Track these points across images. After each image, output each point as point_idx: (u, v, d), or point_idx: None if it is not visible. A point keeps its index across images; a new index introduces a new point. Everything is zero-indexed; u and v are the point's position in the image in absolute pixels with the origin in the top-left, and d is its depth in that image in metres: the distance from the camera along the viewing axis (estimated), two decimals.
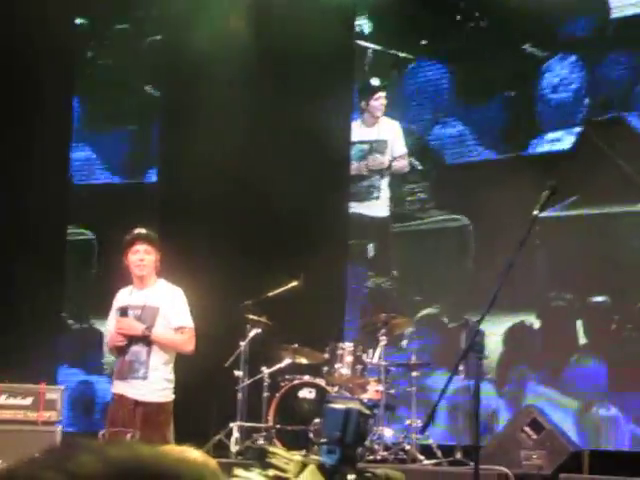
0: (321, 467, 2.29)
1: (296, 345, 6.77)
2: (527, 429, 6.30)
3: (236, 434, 6.39)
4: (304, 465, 2.12)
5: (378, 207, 7.19)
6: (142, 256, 5.21)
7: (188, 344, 5.20)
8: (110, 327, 5.49)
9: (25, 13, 7.80)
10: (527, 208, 4.42)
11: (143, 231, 5.37)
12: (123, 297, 5.44)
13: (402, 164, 6.80)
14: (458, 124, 7.06)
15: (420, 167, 7.13)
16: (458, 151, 7.16)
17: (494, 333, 6.87)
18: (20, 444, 5.69)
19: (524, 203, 5.01)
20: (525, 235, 4.16)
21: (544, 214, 4.52)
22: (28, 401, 6.23)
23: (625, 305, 6.83)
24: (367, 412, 6.82)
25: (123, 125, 8.72)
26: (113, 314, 5.45)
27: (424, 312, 7.42)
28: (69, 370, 8.26)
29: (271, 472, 2.13)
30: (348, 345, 6.71)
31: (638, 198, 6.62)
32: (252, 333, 6.64)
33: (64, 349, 8.37)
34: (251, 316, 6.69)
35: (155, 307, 5.15)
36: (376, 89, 6.85)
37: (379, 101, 6.81)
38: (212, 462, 1.61)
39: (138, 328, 5.07)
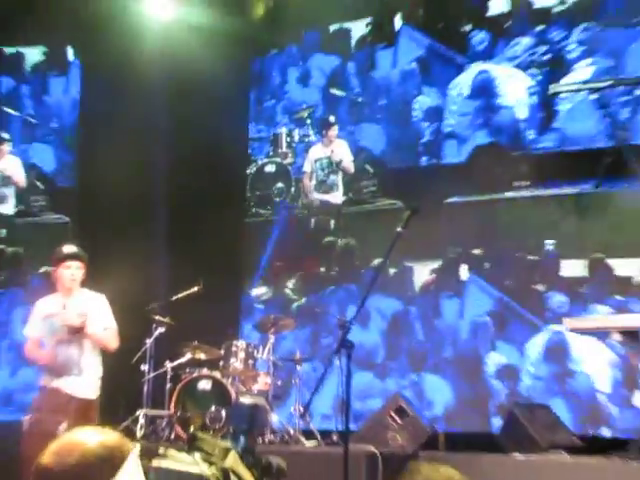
0: (241, 453, 2.37)
1: (196, 342, 7.43)
2: (393, 414, 6.99)
3: (142, 421, 6.99)
4: (228, 450, 2.26)
5: (337, 196, 9.26)
6: (74, 271, 5.65)
7: (113, 341, 5.70)
8: (31, 334, 5.83)
9: None
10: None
11: (75, 249, 5.78)
12: (48, 305, 5.82)
13: (349, 165, 8.89)
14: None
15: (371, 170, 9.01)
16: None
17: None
18: None
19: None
20: (388, 249, 4.68)
21: None
22: None
23: None
24: (268, 407, 7.65)
25: None
26: (37, 322, 5.79)
27: None
28: None
29: (197, 455, 2.21)
30: (241, 343, 7.47)
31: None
32: (157, 332, 7.29)
33: None
34: (156, 317, 7.33)
35: (84, 312, 5.60)
36: (331, 124, 8.95)
37: (333, 132, 8.92)
38: (127, 443, 1.85)
39: (77, 320, 5.48)
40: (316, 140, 9.22)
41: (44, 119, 9.84)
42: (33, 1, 8.57)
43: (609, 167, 6.76)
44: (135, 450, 1.91)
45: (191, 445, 2.17)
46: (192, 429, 6.86)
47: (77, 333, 5.60)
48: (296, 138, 9.29)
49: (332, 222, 9.00)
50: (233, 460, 2.19)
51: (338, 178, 9.10)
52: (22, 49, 9.97)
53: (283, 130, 9.27)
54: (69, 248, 5.85)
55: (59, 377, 5.63)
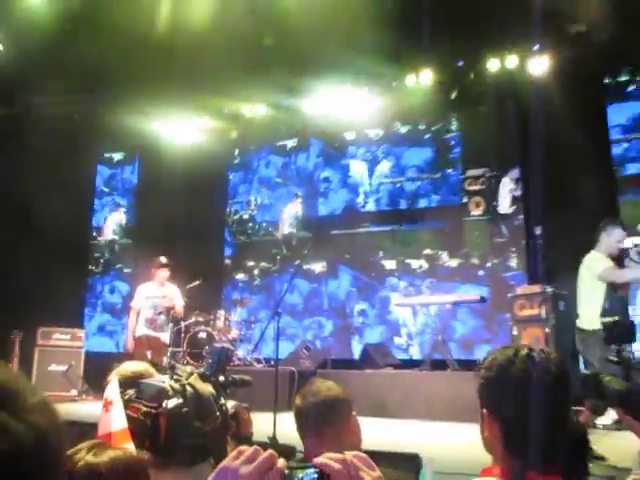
0: (203, 375, 2.55)
1: (198, 311, 11.04)
2: (304, 350, 10.09)
3: (169, 352, 10.02)
4: (192, 373, 2.47)
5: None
6: (166, 273, 8.45)
7: (182, 312, 8.61)
8: (135, 305, 8.42)
9: None
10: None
11: (167, 260, 8.45)
12: (149, 290, 8.42)
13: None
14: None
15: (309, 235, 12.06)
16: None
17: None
18: None
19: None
20: (289, 279, 7.78)
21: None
22: None
23: None
24: (232, 348, 10.87)
25: None
26: (141, 299, 8.34)
27: None
28: None
29: (174, 377, 2.41)
30: (222, 311, 11.25)
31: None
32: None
33: None
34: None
35: (172, 297, 8.47)
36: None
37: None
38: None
39: (169, 302, 8.44)
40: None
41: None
42: None
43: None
44: (114, 375, 2.61)
45: (170, 371, 2.47)
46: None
47: (169, 309, 8.35)
48: None
49: None
50: (193, 379, 2.41)
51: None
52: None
53: None
54: (164, 259, 8.47)
55: (155, 331, 8.47)
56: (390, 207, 12.03)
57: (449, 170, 11.51)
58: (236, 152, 13.66)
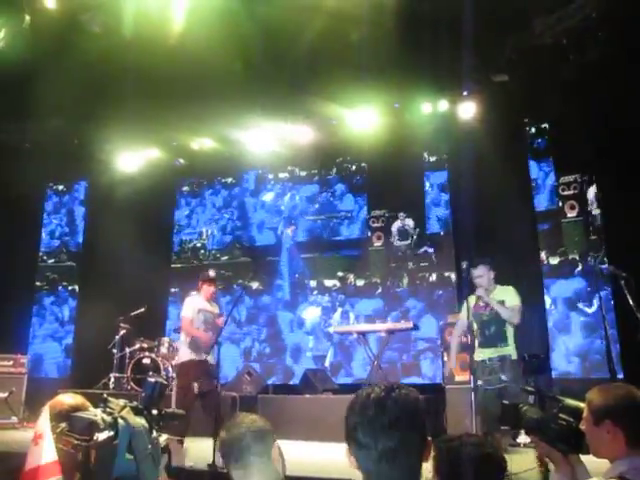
0: (136, 408, 2.58)
1: (142, 338, 11.20)
2: (246, 375, 10.12)
3: (112, 379, 10.75)
4: (124, 406, 2.45)
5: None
6: (214, 288, 7.70)
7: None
8: (187, 316, 7.40)
9: None
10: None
11: (214, 274, 7.84)
12: (199, 303, 7.58)
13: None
14: None
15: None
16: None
17: None
18: None
19: None
20: (235, 302, 8.24)
21: None
22: None
23: None
24: (166, 383, 10.58)
25: None
26: (193, 310, 7.41)
27: None
28: None
29: (107, 410, 2.44)
30: (166, 338, 11.30)
31: None
32: (121, 332, 11.18)
33: None
34: (121, 324, 11.17)
35: (217, 312, 7.75)
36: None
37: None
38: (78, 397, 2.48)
39: (217, 316, 7.63)
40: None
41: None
42: None
43: None
44: (46, 409, 2.68)
45: (102, 404, 2.45)
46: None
47: (216, 324, 7.44)
48: None
49: None
50: (126, 412, 2.44)
51: None
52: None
53: None
54: (212, 273, 7.86)
55: (207, 353, 7.28)
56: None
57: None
58: (184, 185, 14.35)
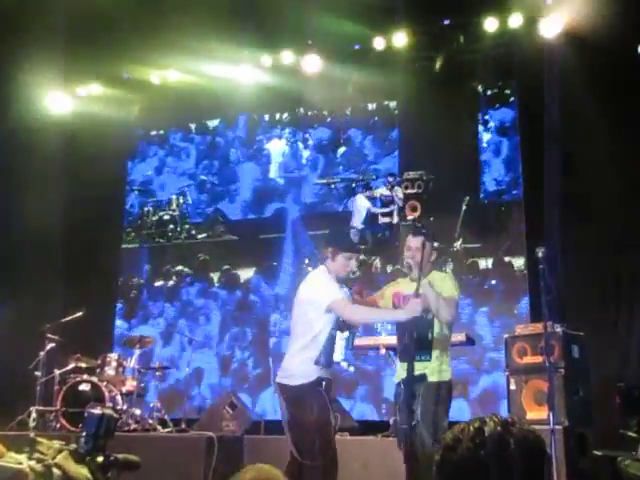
0: (76, 452, 2.52)
1: (78, 355, 9.30)
2: (227, 407, 8.44)
3: (34, 415, 8.86)
4: (60, 451, 2.42)
5: None
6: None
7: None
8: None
9: None
10: None
11: None
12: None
13: None
14: None
15: None
16: None
17: None
18: None
19: None
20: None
21: None
22: None
23: None
24: (116, 416, 8.81)
25: None
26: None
27: None
28: None
29: (36, 455, 2.39)
30: (114, 355, 9.50)
31: None
32: (48, 346, 9.36)
33: None
34: (48, 335, 9.38)
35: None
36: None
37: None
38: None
39: None
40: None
41: None
42: None
43: None
44: None
45: (31, 448, 2.33)
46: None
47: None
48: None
49: None
50: (62, 458, 2.34)
51: None
52: None
53: None
54: None
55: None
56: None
57: None
58: (140, 133, 12.04)
